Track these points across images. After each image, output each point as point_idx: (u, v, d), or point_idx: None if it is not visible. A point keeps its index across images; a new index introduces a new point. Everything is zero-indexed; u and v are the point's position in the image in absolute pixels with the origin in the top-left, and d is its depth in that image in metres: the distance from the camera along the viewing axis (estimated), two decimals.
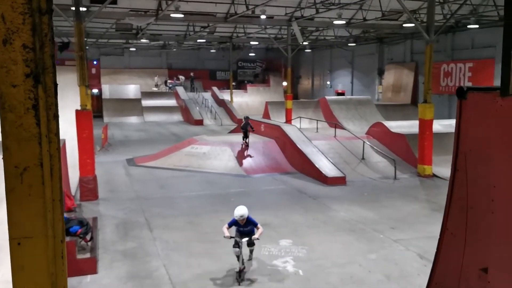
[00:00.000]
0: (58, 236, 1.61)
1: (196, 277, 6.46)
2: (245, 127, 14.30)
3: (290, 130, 14.55)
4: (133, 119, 28.11)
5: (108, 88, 30.53)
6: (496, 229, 2.11)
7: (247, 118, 14.76)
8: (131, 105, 29.14)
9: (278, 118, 21.51)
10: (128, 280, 6.38)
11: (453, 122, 15.66)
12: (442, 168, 12.56)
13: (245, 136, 14.30)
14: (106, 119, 27.57)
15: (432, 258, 7.13)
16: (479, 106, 2.13)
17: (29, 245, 1.54)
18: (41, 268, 1.59)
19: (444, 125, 14.94)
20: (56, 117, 1.53)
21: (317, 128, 17.70)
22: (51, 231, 1.57)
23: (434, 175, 12.73)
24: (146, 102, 29.91)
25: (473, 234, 2.26)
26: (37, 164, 1.47)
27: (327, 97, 24.03)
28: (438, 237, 7.65)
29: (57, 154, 1.54)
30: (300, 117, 19.68)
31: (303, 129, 15.79)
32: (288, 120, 20.93)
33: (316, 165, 12.59)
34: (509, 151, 2.00)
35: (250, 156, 13.99)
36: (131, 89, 31.02)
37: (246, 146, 14.39)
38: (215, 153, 14.11)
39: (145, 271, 6.68)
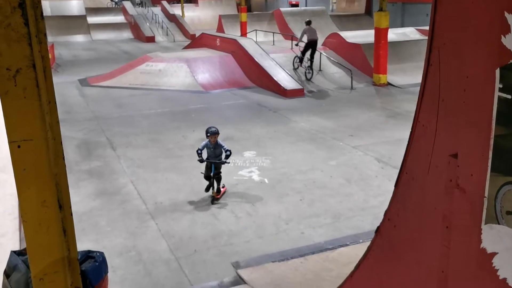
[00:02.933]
0: (57, 138, 1.61)
1: (165, 191, 6.61)
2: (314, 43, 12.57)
3: (247, 44, 14.34)
4: (80, 38, 26.68)
5: (48, 5, 28.49)
6: (466, 117, 2.28)
7: (309, 22, 13.00)
8: (76, 23, 27.50)
9: (232, 32, 21.03)
10: (97, 197, 6.46)
11: (407, 30, 15.80)
12: (397, 77, 12.95)
13: (312, 53, 12.57)
14: (50, 38, 26.01)
15: (388, 161, 7.66)
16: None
17: (30, 147, 1.54)
18: (44, 169, 1.61)
19: (398, 34, 15.16)
20: (43, 17, 1.46)
21: (273, 41, 17.51)
22: (50, 133, 1.56)
23: (389, 84, 13.12)
24: (92, 19, 28.27)
25: (443, 124, 2.43)
26: (29, 66, 1.42)
27: (282, 9, 23.54)
28: (394, 141, 8.06)
29: (48, 55, 1.49)
30: (256, 30, 19.32)
31: (259, 43, 15.59)
32: (244, 34, 20.52)
33: (275, 78, 12.63)
34: (481, 43, 2.11)
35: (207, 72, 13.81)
36: (74, 5, 29.10)
37: (310, 70, 12.78)
38: (171, 70, 13.82)
39: (113, 188, 6.76)
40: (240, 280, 4.74)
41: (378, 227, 3.13)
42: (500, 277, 2.35)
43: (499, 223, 2.31)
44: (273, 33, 18.11)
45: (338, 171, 7.24)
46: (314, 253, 5.21)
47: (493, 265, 2.36)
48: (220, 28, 23.13)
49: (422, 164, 2.61)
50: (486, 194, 2.32)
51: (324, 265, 5.07)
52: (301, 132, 9.20)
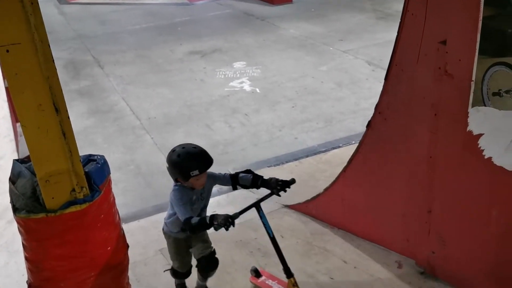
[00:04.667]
0: (44, 41, 1.59)
1: (157, 106, 6.62)
2: None
3: None
4: None
5: None
6: (455, 1, 2.26)
7: None
8: None
9: None
10: (90, 116, 6.48)
11: None
12: None
13: None
14: None
15: (378, 63, 7.62)
16: None
17: (18, 51, 1.53)
18: (35, 72, 1.61)
19: None
20: None
21: None
22: (36, 35, 1.54)
23: None
24: None
25: (433, 11, 2.41)
26: None
27: None
28: (384, 42, 7.92)
29: None
30: None
31: None
32: None
33: None
34: None
35: None
36: None
37: None
38: None
39: (106, 106, 6.76)
40: None
41: (369, 122, 3.21)
42: (486, 157, 2.47)
43: (485, 105, 2.38)
44: None
45: (329, 76, 7.23)
46: (308, 156, 5.36)
47: (478, 146, 2.47)
48: None
49: (411, 54, 2.63)
50: (473, 78, 2.36)
51: (318, 166, 5.24)
52: (291, 39, 9.03)
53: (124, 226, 4.19)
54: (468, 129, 2.49)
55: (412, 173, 2.94)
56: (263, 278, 3.34)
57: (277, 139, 5.70)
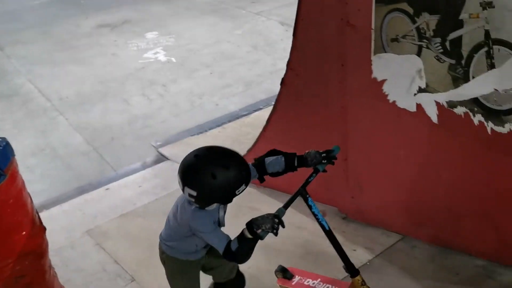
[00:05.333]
0: None
1: (68, 85, 6.27)
2: None
3: None
4: None
5: None
6: None
7: None
8: None
9: None
10: None
11: None
12: None
13: None
14: None
15: (291, 23, 7.55)
16: None
17: None
18: None
19: None
20: None
21: None
22: None
23: None
24: None
25: None
26: None
27: None
28: (295, 2, 8.02)
29: None
30: None
31: None
32: None
33: None
34: None
35: None
36: None
37: None
38: None
39: (10, 90, 6.30)
40: (162, 157, 4.83)
41: (282, 79, 3.26)
42: (390, 101, 2.60)
43: (385, 52, 2.49)
44: None
45: (244, 39, 7.21)
46: (230, 121, 5.38)
47: (383, 91, 2.59)
48: None
49: (316, 7, 2.68)
50: (373, 26, 2.45)
51: (242, 130, 5.28)
52: (203, 5, 8.86)
53: (46, 212, 4.06)
54: (372, 76, 2.60)
55: (327, 124, 3.04)
56: (297, 278, 2.60)
57: (198, 107, 5.64)
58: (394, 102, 2.57)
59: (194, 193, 2.02)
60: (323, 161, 2.27)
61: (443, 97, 2.38)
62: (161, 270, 2.48)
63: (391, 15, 2.35)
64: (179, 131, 5.20)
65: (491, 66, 2.15)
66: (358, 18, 2.47)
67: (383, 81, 2.57)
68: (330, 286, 2.49)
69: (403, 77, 2.45)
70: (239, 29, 7.58)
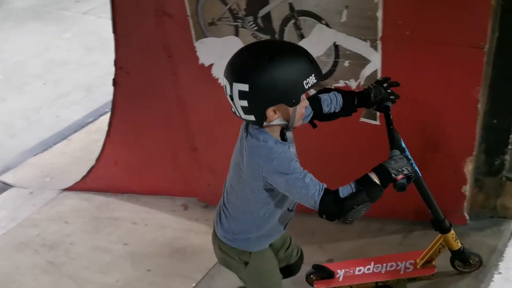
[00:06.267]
0: None
1: None
2: None
3: None
4: None
5: None
6: None
7: None
8: None
9: None
10: None
11: None
12: None
13: None
14: None
15: None
16: None
17: None
18: None
19: None
20: None
21: None
22: None
23: None
24: None
25: None
26: None
27: None
28: None
29: None
30: None
31: None
32: None
33: None
34: None
35: None
36: None
37: None
38: None
39: None
40: (5, 185, 4.37)
41: (113, 80, 3.11)
42: (221, 84, 2.63)
43: (206, 36, 2.50)
44: None
45: (75, 42, 6.76)
46: (76, 131, 5.04)
47: (213, 76, 2.61)
48: None
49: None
50: (188, 13, 2.44)
51: (90, 138, 4.98)
52: (21, 12, 8.07)
53: None
54: (200, 62, 2.60)
55: (167, 118, 2.99)
56: (342, 272, 2.15)
57: (36, 123, 5.18)
58: (225, 86, 2.61)
59: (246, 87, 1.41)
60: (391, 97, 1.77)
61: None
62: None
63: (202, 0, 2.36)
64: (19, 152, 4.73)
65: (301, 36, 2.28)
66: (172, 7, 2.44)
67: (211, 65, 2.59)
68: (395, 264, 2.10)
69: (226, 59, 2.49)
70: (67, 32, 7.08)
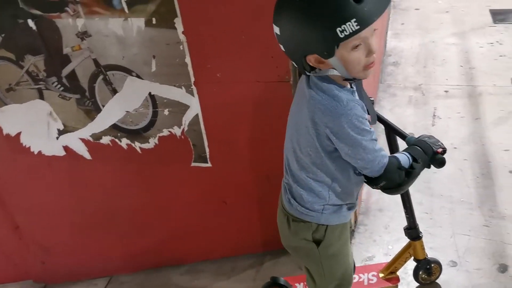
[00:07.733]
0: None
1: None
2: None
3: None
4: None
5: None
6: None
7: None
8: None
9: None
10: None
11: None
12: None
13: None
14: None
15: None
16: None
17: None
18: None
19: None
20: None
21: None
22: None
23: None
24: None
25: None
26: None
27: None
28: None
29: None
30: None
31: None
32: None
33: None
34: None
35: None
36: None
37: None
38: None
39: None
40: None
41: None
42: (35, 152, 2.37)
43: (6, 104, 2.25)
44: None
45: None
46: None
47: (23, 145, 2.34)
48: None
49: None
50: None
51: None
52: None
53: None
54: (5, 132, 2.32)
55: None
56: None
57: None
58: (40, 152, 2.36)
59: (278, 30, 1.24)
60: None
61: (85, 133, 2.30)
62: None
63: None
64: None
65: (114, 91, 2.17)
66: None
67: (19, 133, 2.32)
68: (357, 276, 2.09)
69: (37, 125, 2.26)
70: None
